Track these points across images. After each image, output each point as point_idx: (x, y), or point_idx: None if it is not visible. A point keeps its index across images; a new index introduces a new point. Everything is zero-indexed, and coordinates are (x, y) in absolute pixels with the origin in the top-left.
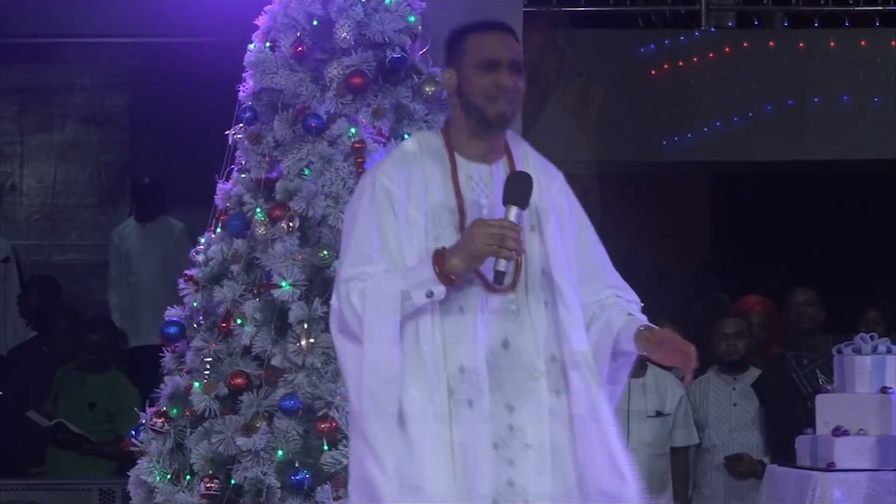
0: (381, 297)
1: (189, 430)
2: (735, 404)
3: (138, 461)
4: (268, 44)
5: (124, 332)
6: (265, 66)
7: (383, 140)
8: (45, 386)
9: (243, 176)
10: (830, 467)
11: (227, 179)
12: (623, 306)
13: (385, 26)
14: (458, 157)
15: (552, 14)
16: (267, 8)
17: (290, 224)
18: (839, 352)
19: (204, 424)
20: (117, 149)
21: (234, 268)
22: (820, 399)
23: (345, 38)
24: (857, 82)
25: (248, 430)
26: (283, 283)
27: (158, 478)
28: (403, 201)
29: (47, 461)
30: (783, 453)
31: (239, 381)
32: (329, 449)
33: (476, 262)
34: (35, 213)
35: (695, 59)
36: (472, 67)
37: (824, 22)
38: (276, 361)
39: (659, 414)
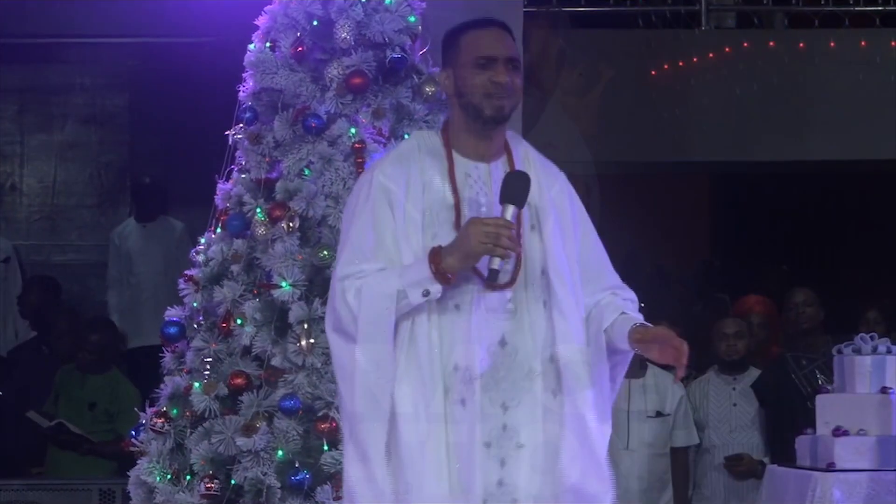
0: (377, 295)
1: (189, 430)
2: (735, 404)
3: (138, 461)
4: (268, 44)
5: (123, 332)
6: (265, 67)
7: (383, 140)
8: (45, 386)
9: (243, 176)
10: (830, 467)
11: (227, 179)
12: (619, 305)
13: (385, 26)
14: (456, 156)
15: (552, 14)
16: (267, 8)
17: (291, 224)
18: (839, 352)
19: (204, 425)
20: (117, 149)
21: (235, 268)
22: (820, 399)
23: (345, 38)
24: (857, 82)
25: (249, 430)
26: (283, 284)
27: (158, 478)
28: (401, 199)
29: (47, 461)
30: (783, 453)
31: (239, 381)
32: (329, 449)
33: (471, 261)
34: (35, 213)
35: (695, 59)
36: (467, 65)
37: (824, 22)
38: (276, 362)
39: (659, 414)
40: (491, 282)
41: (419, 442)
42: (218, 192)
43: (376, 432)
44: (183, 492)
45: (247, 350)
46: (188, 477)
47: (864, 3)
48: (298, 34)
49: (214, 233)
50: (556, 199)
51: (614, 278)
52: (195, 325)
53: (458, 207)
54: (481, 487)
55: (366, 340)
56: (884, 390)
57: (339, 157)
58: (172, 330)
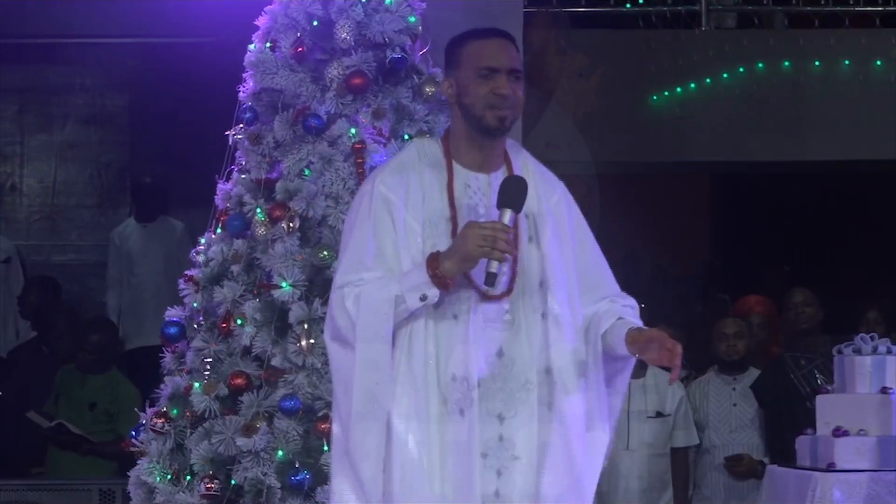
0: (376, 300)
1: (189, 430)
2: (735, 404)
3: (138, 461)
4: (268, 44)
5: (122, 333)
6: (265, 67)
7: (383, 140)
8: (45, 386)
9: (243, 176)
10: (831, 468)
11: (228, 180)
12: (617, 311)
13: (385, 27)
14: (456, 166)
15: (552, 14)
16: (267, 8)
17: (291, 224)
18: (839, 352)
19: (204, 425)
20: (117, 149)
21: (235, 268)
22: (820, 399)
23: (345, 38)
24: (857, 82)
25: (249, 430)
26: (284, 284)
27: (158, 478)
28: (401, 209)
29: (48, 462)
30: (783, 453)
31: (239, 381)
32: (329, 449)
33: (469, 264)
34: (35, 214)
35: (695, 60)
36: (470, 75)
37: (824, 22)
38: (276, 362)
39: (659, 414)
40: (489, 285)
41: (414, 450)
42: (218, 193)
43: (376, 434)
44: (183, 492)
45: (247, 350)
46: (188, 477)
47: (864, 3)
48: (298, 34)
49: (214, 233)
50: (554, 208)
51: (613, 287)
52: (195, 326)
53: (454, 220)
54: (479, 497)
55: (364, 344)
56: (884, 390)
57: (339, 158)
58: (172, 330)
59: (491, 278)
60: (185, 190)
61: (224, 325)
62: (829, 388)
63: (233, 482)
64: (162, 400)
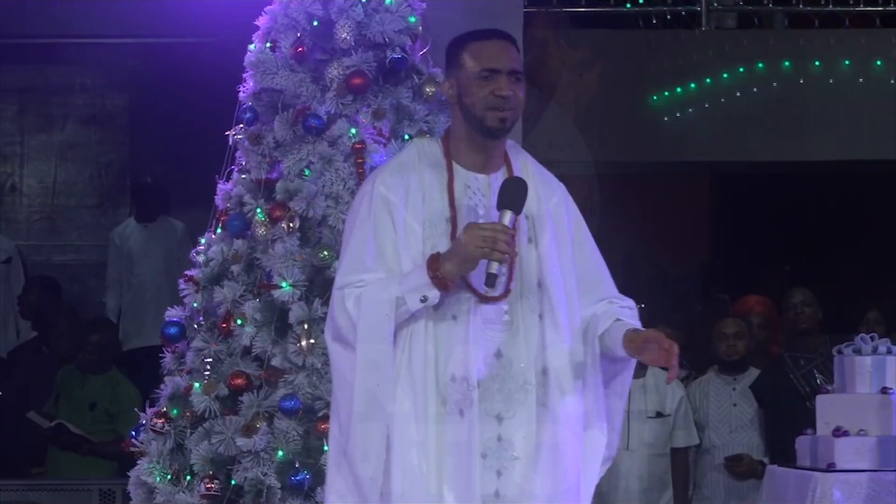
0: (376, 302)
1: (189, 430)
2: (735, 405)
3: (138, 462)
4: (268, 44)
5: (122, 333)
6: (265, 67)
7: (383, 140)
8: (45, 387)
9: (243, 176)
10: (831, 468)
11: (228, 180)
12: (615, 312)
13: (385, 27)
14: (455, 167)
15: (552, 14)
16: (267, 8)
17: (291, 224)
18: (839, 352)
19: (204, 425)
20: (117, 149)
21: (235, 268)
22: (820, 399)
23: (345, 38)
24: (857, 82)
25: (249, 430)
26: (284, 284)
27: (159, 478)
28: (401, 210)
29: (48, 462)
30: (783, 453)
31: (239, 381)
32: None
33: (469, 266)
34: (35, 214)
35: (695, 60)
36: (471, 77)
37: (824, 22)
38: (276, 362)
39: (659, 414)
40: (489, 287)
41: (414, 451)
42: (218, 193)
43: (376, 435)
44: (183, 492)
45: (247, 350)
46: (188, 477)
47: (864, 3)
48: (298, 34)
49: (215, 233)
50: (553, 210)
51: (611, 288)
52: (195, 326)
53: (454, 220)
54: (478, 498)
55: (366, 345)
56: (884, 391)
57: (339, 158)
58: (173, 330)
59: (491, 279)
60: (185, 190)
61: (224, 325)
62: (828, 387)
63: (233, 482)
64: (162, 400)
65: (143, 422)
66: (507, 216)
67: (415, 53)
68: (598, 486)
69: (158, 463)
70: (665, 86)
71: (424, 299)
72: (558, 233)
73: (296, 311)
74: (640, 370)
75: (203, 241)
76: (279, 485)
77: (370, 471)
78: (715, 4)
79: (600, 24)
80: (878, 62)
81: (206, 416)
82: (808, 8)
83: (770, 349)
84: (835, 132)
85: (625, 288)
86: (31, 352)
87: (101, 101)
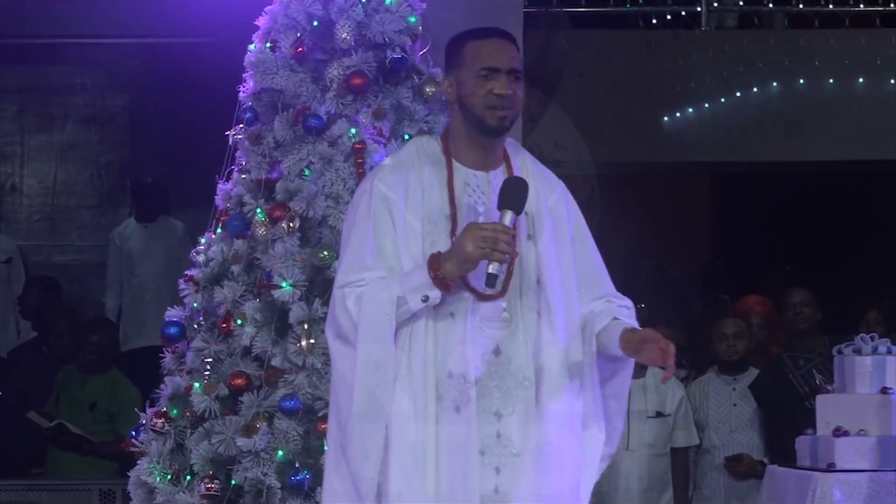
0: (377, 301)
1: (189, 430)
2: (735, 405)
3: (138, 462)
4: (268, 44)
5: (122, 333)
6: (265, 67)
7: (384, 141)
8: (45, 387)
9: (243, 176)
10: (831, 468)
11: (228, 180)
12: (612, 311)
13: (385, 27)
14: (455, 164)
15: (552, 14)
16: (267, 8)
17: (291, 225)
18: (839, 352)
19: (204, 425)
20: (117, 149)
21: (235, 268)
22: (820, 399)
23: (345, 38)
24: (857, 83)
25: (249, 430)
26: (284, 284)
27: (159, 478)
28: (401, 208)
29: (48, 462)
30: (783, 453)
31: (239, 381)
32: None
33: (469, 266)
34: (35, 214)
35: (695, 60)
36: (470, 75)
37: (824, 22)
38: (276, 362)
39: (659, 414)
40: (489, 286)
41: (411, 448)
42: (218, 193)
43: (376, 434)
44: (183, 492)
45: (247, 350)
46: (188, 477)
47: (865, 3)
48: (299, 34)
49: (215, 233)
50: (553, 208)
51: (609, 287)
52: (195, 326)
53: (454, 218)
54: (477, 494)
55: (366, 345)
56: (884, 391)
57: (339, 158)
58: (173, 330)
59: (491, 279)
60: (185, 190)
61: (224, 325)
62: (828, 387)
63: (233, 482)
64: (162, 400)
65: (143, 422)
66: (508, 216)
67: (415, 53)
68: (598, 486)
69: (158, 463)
70: (665, 86)
71: (426, 299)
72: (557, 230)
73: (296, 312)
74: (640, 370)
75: (203, 241)
76: (279, 485)
77: (369, 470)
78: (715, 4)
79: (600, 24)
80: (878, 62)
81: (207, 416)
82: (808, 8)
83: (770, 349)
84: (835, 132)
85: (625, 288)
86: (31, 352)
87: (101, 101)
